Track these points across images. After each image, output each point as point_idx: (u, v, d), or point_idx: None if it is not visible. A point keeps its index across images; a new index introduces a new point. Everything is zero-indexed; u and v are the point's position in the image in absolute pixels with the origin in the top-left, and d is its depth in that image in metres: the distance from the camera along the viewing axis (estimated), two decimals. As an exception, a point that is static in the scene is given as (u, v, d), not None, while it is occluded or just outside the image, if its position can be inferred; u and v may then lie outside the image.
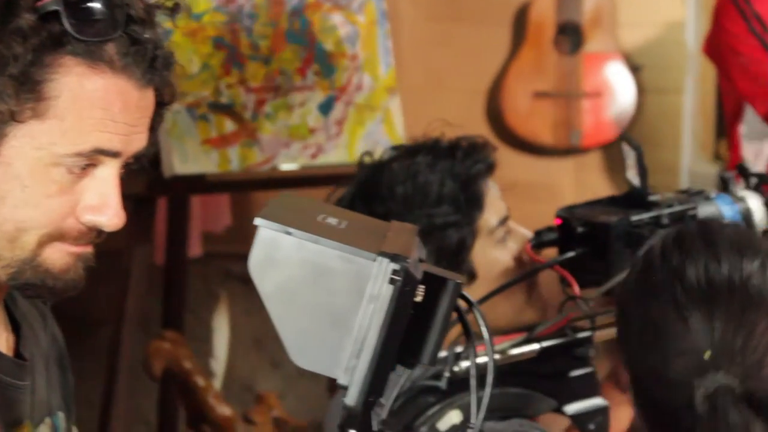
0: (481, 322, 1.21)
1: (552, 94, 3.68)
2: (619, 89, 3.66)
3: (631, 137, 1.71)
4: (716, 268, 1.31)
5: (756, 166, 2.88)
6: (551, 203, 3.84)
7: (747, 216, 1.75)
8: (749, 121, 2.89)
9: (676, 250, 1.35)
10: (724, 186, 1.78)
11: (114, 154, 1.26)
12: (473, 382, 1.17)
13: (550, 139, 3.71)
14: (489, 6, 3.81)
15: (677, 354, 1.32)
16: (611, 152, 3.72)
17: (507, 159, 3.76)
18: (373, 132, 2.77)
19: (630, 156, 1.69)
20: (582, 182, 3.78)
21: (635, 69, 3.67)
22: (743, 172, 1.81)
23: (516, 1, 3.76)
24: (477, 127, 3.81)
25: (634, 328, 1.38)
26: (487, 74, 3.82)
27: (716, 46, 2.89)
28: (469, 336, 1.20)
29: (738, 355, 1.30)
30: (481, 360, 1.17)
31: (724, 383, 1.30)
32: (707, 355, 1.31)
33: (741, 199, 1.76)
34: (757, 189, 1.78)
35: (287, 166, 2.66)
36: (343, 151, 2.72)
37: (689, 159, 3.72)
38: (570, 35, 3.64)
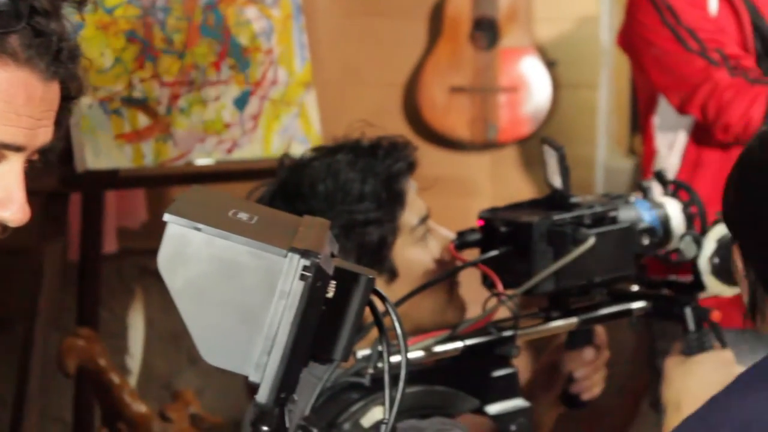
0: (394, 318, 1.21)
1: (468, 88, 3.69)
2: (534, 84, 3.68)
3: (552, 139, 1.71)
4: None
5: (670, 157, 2.91)
6: (468, 198, 3.88)
7: (665, 221, 1.77)
8: (662, 112, 2.91)
9: None
10: (644, 192, 1.80)
11: (17, 148, 1.23)
12: (387, 379, 1.17)
13: (466, 134, 3.73)
14: (405, 0, 3.81)
15: None
16: (527, 147, 3.74)
17: (424, 154, 3.78)
18: (288, 127, 2.76)
19: (551, 157, 1.70)
20: (499, 177, 3.79)
21: (550, 64, 3.69)
22: (661, 179, 1.83)
23: (433, -5, 3.77)
24: (394, 121, 3.81)
25: None
26: (403, 69, 3.82)
27: (630, 38, 2.92)
28: (383, 333, 1.19)
29: None
30: (398, 358, 1.17)
31: None
32: None
33: (660, 205, 1.78)
34: (674, 195, 1.80)
35: (202, 161, 2.64)
36: (259, 146, 2.70)
37: (604, 154, 3.75)
38: (486, 30, 3.65)
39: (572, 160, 3.60)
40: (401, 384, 1.14)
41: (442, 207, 3.65)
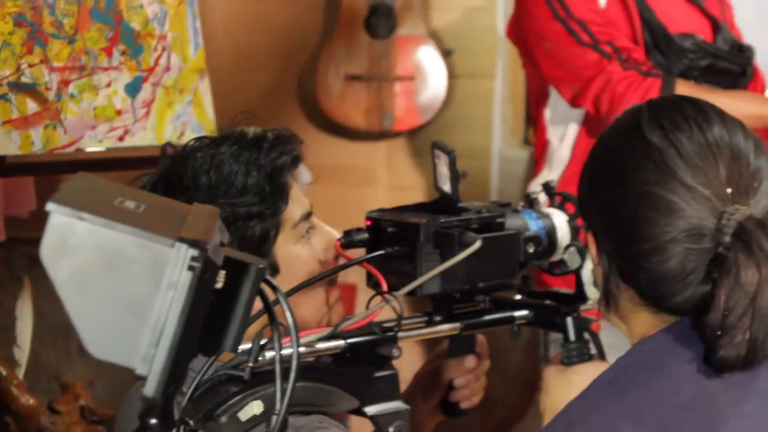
0: (286, 309, 1.19)
1: (364, 77, 3.68)
2: (430, 73, 3.69)
3: (443, 143, 1.71)
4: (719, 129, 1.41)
5: (561, 149, 2.93)
6: (364, 186, 3.87)
7: (551, 232, 1.78)
8: (554, 105, 2.94)
9: (665, 115, 1.43)
10: (530, 204, 1.81)
11: None
12: (278, 369, 1.15)
13: (362, 123, 3.72)
14: (303, -13, 3.79)
15: (700, 187, 1.37)
16: (423, 136, 3.74)
17: (320, 142, 3.77)
18: (182, 114, 2.72)
19: (442, 161, 1.70)
20: (394, 166, 3.79)
21: (446, 53, 3.69)
22: (549, 191, 1.84)
23: (329, -17, 3.75)
24: (289, 109, 3.79)
25: (631, 202, 1.41)
26: (299, 56, 3.80)
27: (520, 31, 2.93)
28: (275, 323, 1.18)
29: (752, 193, 1.38)
30: (285, 352, 1.15)
31: (750, 213, 1.35)
32: (729, 191, 1.37)
33: (546, 216, 1.79)
34: (561, 207, 1.82)
35: (93, 148, 2.59)
36: (151, 133, 2.66)
37: (500, 143, 3.77)
38: (382, 18, 3.64)
39: (468, 149, 3.65)
40: (293, 375, 1.13)
41: (338, 195, 3.65)
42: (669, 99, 1.49)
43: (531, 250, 1.74)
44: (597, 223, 1.49)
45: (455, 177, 1.69)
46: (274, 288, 1.14)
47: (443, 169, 1.71)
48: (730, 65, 2.85)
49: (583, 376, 1.70)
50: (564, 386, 1.72)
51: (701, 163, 1.38)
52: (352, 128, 3.75)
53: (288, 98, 3.82)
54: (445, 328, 1.77)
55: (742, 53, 2.91)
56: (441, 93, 3.69)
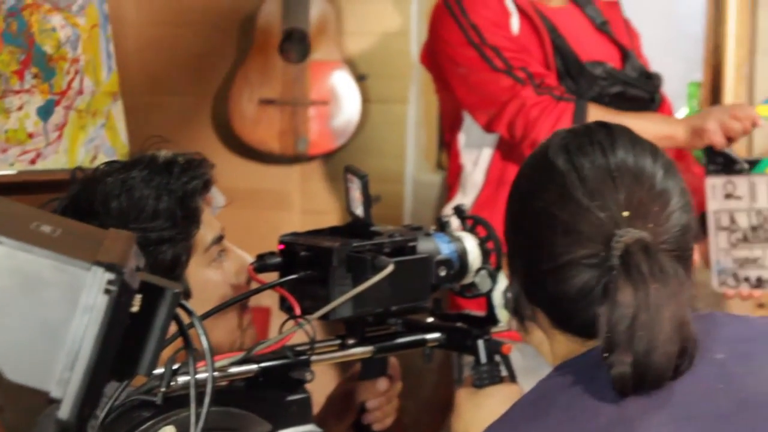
0: (201, 333, 1.19)
1: (278, 101, 3.69)
2: (344, 98, 3.70)
3: (355, 167, 1.72)
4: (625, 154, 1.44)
5: (474, 174, 2.96)
6: (278, 210, 3.86)
7: (462, 255, 1.80)
8: (467, 129, 2.96)
9: (574, 139, 1.47)
10: (442, 227, 1.83)
11: None
12: (193, 393, 1.15)
13: (276, 147, 3.72)
14: (216, 11, 3.79)
15: (596, 210, 1.39)
16: (338, 160, 3.76)
17: (234, 166, 3.76)
18: (95, 137, 2.71)
19: (355, 185, 1.71)
20: (308, 190, 3.80)
21: (360, 78, 3.72)
22: (460, 215, 1.86)
23: (243, 7, 3.75)
24: (203, 133, 3.78)
25: (535, 223, 1.43)
26: (213, 80, 3.80)
27: (434, 57, 2.95)
28: (190, 348, 1.18)
29: (653, 217, 1.40)
30: (199, 376, 1.15)
31: (640, 236, 1.37)
32: (626, 213, 1.39)
33: (458, 239, 1.81)
34: (472, 230, 1.84)
35: (4, 171, 2.57)
36: (64, 156, 2.64)
37: (413, 168, 3.80)
38: (296, 43, 3.66)
39: (382, 174, 3.67)
40: (207, 400, 1.13)
41: (252, 219, 3.65)
42: (587, 125, 1.51)
43: (443, 273, 1.76)
44: (510, 245, 1.51)
45: (368, 201, 1.70)
46: (189, 312, 1.15)
47: (356, 193, 1.72)
48: (639, 92, 2.91)
49: (495, 398, 1.72)
50: (475, 408, 1.73)
51: (600, 186, 1.41)
52: (267, 152, 3.75)
53: (202, 122, 3.81)
54: (358, 351, 1.78)
55: (650, 80, 2.97)
56: (355, 117, 3.71)
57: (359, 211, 1.71)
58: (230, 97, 3.72)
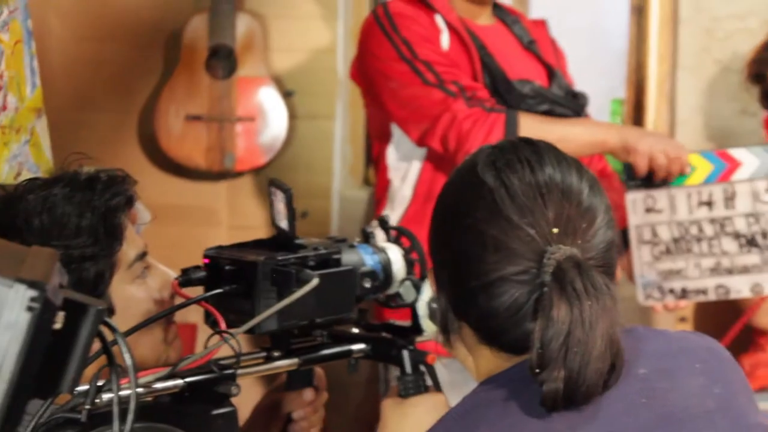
0: (125, 350, 1.19)
1: (205, 117, 3.68)
2: (271, 114, 3.71)
3: (279, 181, 1.72)
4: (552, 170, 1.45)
5: (402, 189, 2.97)
6: (206, 226, 3.85)
7: (387, 266, 1.81)
8: (397, 144, 2.97)
9: (501, 156, 1.47)
10: (366, 238, 1.84)
11: None
12: (116, 411, 1.15)
13: (203, 163, 3.71)
14: (142, 27, 3.78)
15: (526, 227, 1.40)
16: (265, 176, 3.76)
17: (161, 182, 3.75)
18: (18, 154, 2.68)
19: (279, 198, 1.71)
20: (236, 205, 3.79)
21: (287, 94, 3.72)
22: (384, 226, 1.87)
23: (169, 23, 3.74)
24: (130, 149, 3.77)
25: (463, 239, 1.43)
26: (140, 96, 3.78)
27: (365, 72, 2.96)
28: (114, 365, 1.18)
29: (581, 234, 1.41)
30: (123, 393, 1.15)
31: (571, 253, 1.38)
32: (555, 230, 1.40)
33: (382, 250, 1.82)
34: (396, 241, 1.85)
35: (-74, 189, 2.54)
36: (-13, 173, 2.62)
37: (340, 183, 3.80)
38: (223, 59, 3.65)
39: (309, 189, 3.67)
40: (130, 417, 1.13)
41: (180, 235, 3.63)
42: (512, 141, 1.52)
43: (367, 285, 1.77)
44: (436, 260, 1.52)
45: (292, 214, 1.71)
46: (113, 329, 1.15)
47: (280, 207, 1.72)
48: (566, 111, 2.93)
49: (420, 408, 1.72)
50: (401, 418, 1.73)
51: (529, 203, 1.42)
52: (193, 168, 3.74)
53: (128, 138, 3.80)
54: (284, 363, 1.78)
55: (576, 99, 3.00)
56: (282, 133, 3.72)
57: (284, 224, 1.72)
58: (157, 113, 3.71)
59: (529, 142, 1.50)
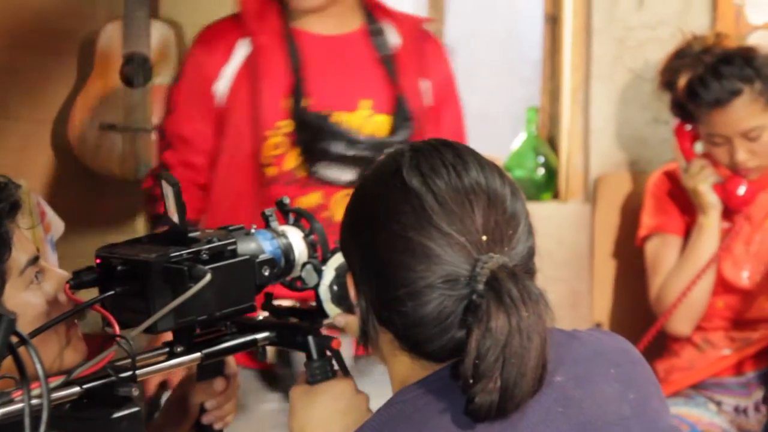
0: (36, 360, 1.18)
1: (120, 126, 3.65)
2: (187, 122, 3.68)
3: (168, 175, 1.70)
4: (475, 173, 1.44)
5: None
6: (121, 236, 3.80)
7: (287, 250, 1.79)
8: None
9: (424, 159, 1.44)
10: (266, 222, 1.82)
11: None
12: (27, 422, 1.14)
13: (118, 172, 3.68)
14: (55, 35, 3.74)
15: (456, 234, 1.38)
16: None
17: (75, 191, 3.71)
18: (-72, 163, 2.65)
19: (169, 193, 1.69)
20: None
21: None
22: (283, 208, 1.85)
23: (83, 31, 3.71)
24: (43, 158, 3.72)
25: (389, 246, 1.41)
26: (53, 105, 3.74)
27: None
28: (24, 374, 1.17)
29: (507, 241, 1.40)
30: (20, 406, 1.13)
31: (503, 262, 1.37)
32: (484, 238, 1.38)
33: (282, 234, 1.80)
34: (296, 224, 1.83)
35: None
36: None
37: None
38: (137, 68, 3.62)
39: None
40: (43, 427, 1.12)
41: (95, 244, 3.59)
42: (430, 143, 1.50)
43: (266, 273, 1.74)
44: (356, 265, 1.50)
45: (182, 208, 1.69)
46: (23, 339, 1.13)
47: (170, 201, 1.70)
48: (366, 153, 2.72)
49: (328, 394, 1.70)
50: (310, 406, 1.70)
51: (457, 209, 1.40)
52: (108, 177, 3.71)
53: (42, 147, 3.75)
54: (186, 359, 1.75)
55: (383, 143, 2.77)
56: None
57: (175, 218, 1.70)
58: (71, 122, 3.67)
59: (449, 145, 1.49)
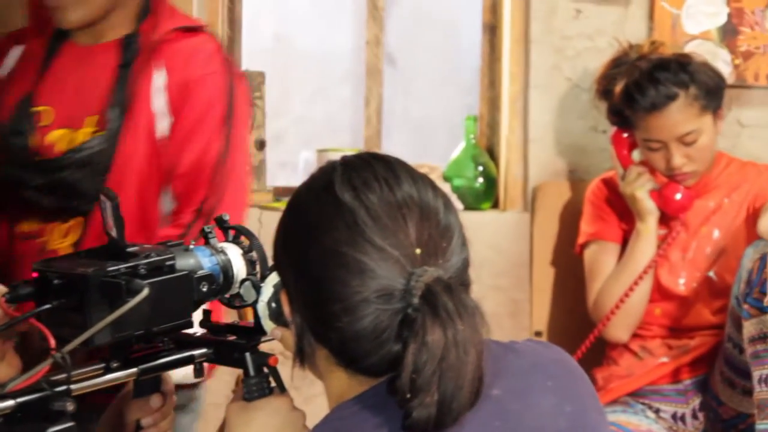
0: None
1: None
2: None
3: (108, 189, 1.69)
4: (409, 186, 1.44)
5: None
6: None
7: (226, 267, 1.79)
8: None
9: (356, 174, 1.43)
10: (205, 239, 1.81)
11: None
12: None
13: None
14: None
15: (390, 248, 1.38)
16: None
17: None
18: None
19: (107, 207, 1.68)
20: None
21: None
22: (222, 225, 1.84)
23: None
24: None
25: (323, 261, 1.41)
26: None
27: None
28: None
29: (441, 253, 1.40)
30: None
31: (438, 275, 1.37)
32: (418, 251, 1.38)
33: (221, 251, 1.79)
34: (235, 240, 1.83)
35: None
36: None
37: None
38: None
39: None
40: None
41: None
42: (361, 157, 1.50)
43: (205, 288, 1.74)
44: (290, 281, 1.49)
45: (120, 223, 1.68)
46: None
47: (109, 216, 1.69)
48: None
49: (264, 411, 1.69)
50: (245, 423, 1.70)
51: (391, 223, 1.40)
52: None
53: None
54: (122, 375, 1.74)
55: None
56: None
57: (113, 232, 1.69)
58: None
59: (381, 158, 1.49)
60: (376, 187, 1.43)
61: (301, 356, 1.49)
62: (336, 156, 3.66)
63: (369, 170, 1.45)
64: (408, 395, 1.33)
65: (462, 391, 1.34)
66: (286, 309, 1.50)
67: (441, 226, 1.43)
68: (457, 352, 1.33)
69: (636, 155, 3.34)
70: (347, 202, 1.42)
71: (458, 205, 3.79)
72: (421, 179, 1.47)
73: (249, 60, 3.95)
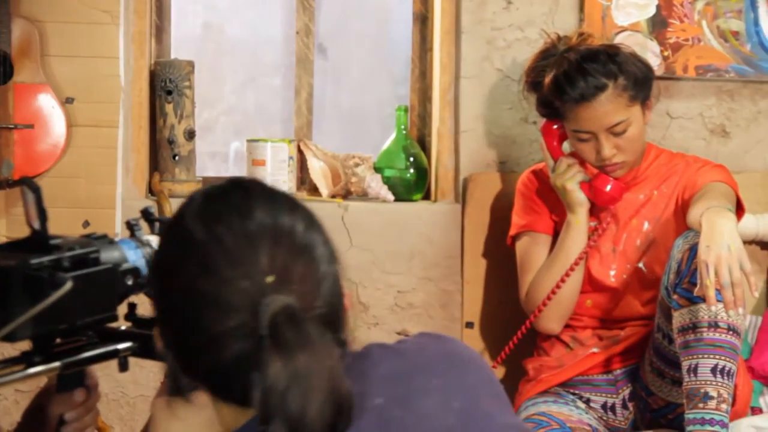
0: None
1: (-21, 125, 3.55)
2: (50, 121, 3.60)
3: (30, 179, 1.66)
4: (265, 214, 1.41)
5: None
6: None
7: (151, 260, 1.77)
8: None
9: (210, 206, 1.42)
10: (131, 231, 1.79)
11: None
12: None
13: (-22, 172, 3.58)
14: None
15: (239, 279, 1.37)
16: (44, 184, 3.63)
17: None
18: None
19: (29, 198, 1.65)
20: (14, 216, 3.68)
21: (67, 101, 3.63)
22: (147, 217, 1.82)
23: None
24: None
25: (181, 297, 1.39)
26: None
27: None
28: None
29: (298, 277, 1.38)
30: None
31: (285, 303, 1.35)
32: (270, 279, 1.37)
33: (147, 244, 1.77)
34: (161, 233, 1.80)
35: None
36: None
37: (123, 192, 3.73)
38: (-3, 65, 3.53)
39: (93, 198, 3.58)
40: None
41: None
42: (221, 187, 1.49)
43: (130, 282, 1.72)
44: (159, 318, 1.48)
45: (43, 214, 1.65)
46: None
47: (31, 207, 1.66)
48: None
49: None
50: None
51: (240, 253, 1.39)
52: (-33, 177, 3.61)
53: None
54: (44, 369, 1.71)
55: None
56: (61, 141, 3.62)
57: (36, 224, 1.66)
58: (-72, 120, 3.57)
59: (239, 185, 1.48)
60: (227, 218, 1.43)
61: (178, 392, 1.48)
62: (265, 146, 3.63)
63: (223, 200, 1.45)
64: (262, 424, 1.33)
65: (308, 418, 1.32)
66: (158, 344, 1.49)
67: (297, 248, 1.42)
68: (298, 384, 1.32)
69: (566, 146, 3.35)
70: (198, 237, 1.42)
71: (389, 196, 3.78)
72: (278, 202, 1.46)
73: (178, 49, 3.91)
